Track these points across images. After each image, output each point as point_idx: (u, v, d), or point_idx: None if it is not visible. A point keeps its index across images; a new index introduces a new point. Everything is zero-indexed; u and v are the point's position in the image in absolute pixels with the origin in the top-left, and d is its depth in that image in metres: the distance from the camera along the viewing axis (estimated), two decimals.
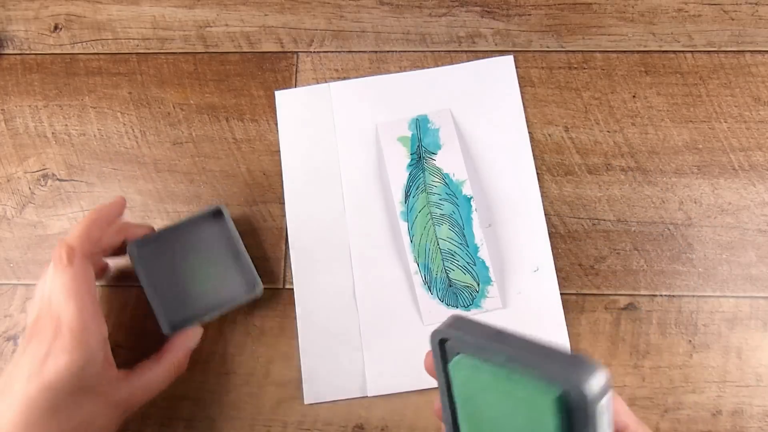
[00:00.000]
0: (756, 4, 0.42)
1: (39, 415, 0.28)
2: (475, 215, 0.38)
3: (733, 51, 0.41)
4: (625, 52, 0.42)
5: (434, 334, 0.23)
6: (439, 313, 0.37)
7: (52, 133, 0.43)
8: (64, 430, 0.29)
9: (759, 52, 0.41)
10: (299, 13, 0.44)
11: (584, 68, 0.41)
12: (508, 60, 0.42)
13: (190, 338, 0.35)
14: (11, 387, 0.28)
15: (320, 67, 0.43)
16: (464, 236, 0.38)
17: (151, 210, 0.41)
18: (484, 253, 0.38)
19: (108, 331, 0.31)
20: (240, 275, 0.37)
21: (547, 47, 0.42)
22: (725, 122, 0.40)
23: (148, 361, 0.34)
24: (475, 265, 0.38)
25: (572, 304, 0.37)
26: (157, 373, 0.33)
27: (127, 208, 0.41)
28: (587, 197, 0.39)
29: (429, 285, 0.38)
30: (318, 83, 0.42)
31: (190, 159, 0.41)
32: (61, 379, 0.28)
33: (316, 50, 0.43)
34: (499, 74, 0.41)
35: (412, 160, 0.40)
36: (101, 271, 0.37)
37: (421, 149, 0.40)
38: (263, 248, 0.39)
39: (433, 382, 0.37)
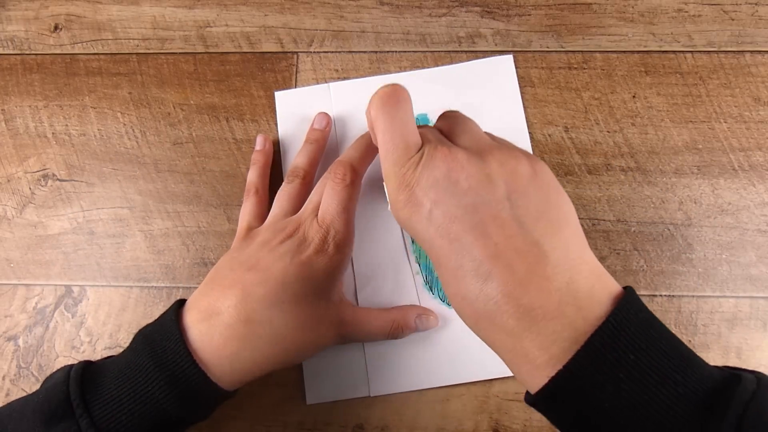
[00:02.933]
0: (756, 4, 0.42)
1: (290, 295, 0.31)
2: None
3: (733, 51, 0.41)
4: (625, 52, 0.42)
5: None
6: (440, 313, 0.37)
7: (53, 133, 0.43)
8: (300, 318, 0.32)
9: (759, 52, 0.41)
10: (299, 13, 0.44)
11: (584, 68, 0.41)
12: (508, 60, 0.42)
13: (424, 319, 0.36)
14: (268, 266, 0.32)
15: (320, 67, 0.43)
16: None
17: (152, 210, 0.41)
18: None
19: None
20: None
21: (547, 47, 0.42)
22: (725, 122, 0.40)
23: (373, 308, 0.36)
24: None
25: None
26: (377, 320, 0.35)
27: (127, 208, 0.41)
28: (587, 197, 0.39)
29: (430, 285, 0.38)
30: (318, 83, 0.42)
31: (190, 159, 0.41)
32: (317, 275, 0.32)
33: (316, 50, 0.43)
34: (498, 74, 0.41)
35: None
36: None
37: None
38: None
39: (433, 382, 0.37)
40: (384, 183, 0.29)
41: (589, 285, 0.24)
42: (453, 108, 0.40)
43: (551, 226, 0.25)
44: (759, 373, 0.23)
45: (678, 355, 0.23)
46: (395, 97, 0.28)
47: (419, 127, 0.29)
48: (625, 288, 0.25)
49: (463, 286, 0.25)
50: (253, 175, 0.39)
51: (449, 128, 0.30)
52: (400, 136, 0.27)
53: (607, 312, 0.23)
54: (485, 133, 0.30)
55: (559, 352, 0.23)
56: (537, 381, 0.23)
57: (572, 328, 0.23)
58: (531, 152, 0.40)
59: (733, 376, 0.22)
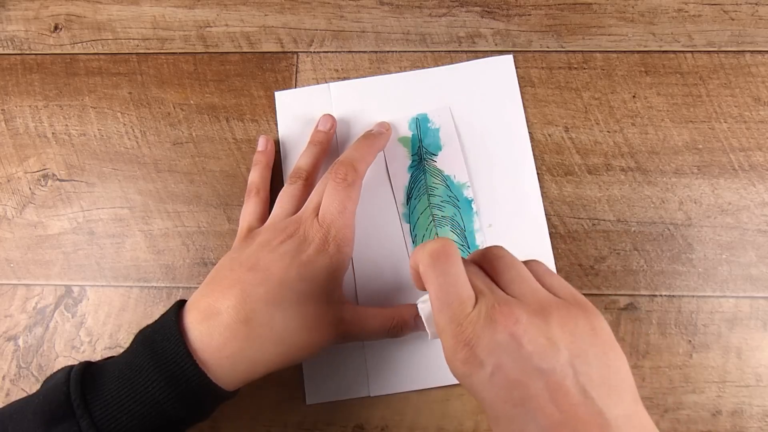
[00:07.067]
0: (756, 4, 0.42)
1: (291, 294, 0.31)
2: (476, 217, 0.38)
3: (733, 51, 0.41)
4: (625, 52, 0.42)
5: None
6: None
7: (52, 133, 0.43)
8: (300, 318, 0.32)
9: (759, 52, 0.41)
10: (299, 13, 0.44)
11: (584, 68, 0.41)
12: (508, 60, 0.42)
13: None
14: (268, 266, 0.32)
15: (320, 67, 0.43)
16: (465, 237, 0.38)
17: (152, 210, 0.41)
18: None
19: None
20: None
21: (547, 47, 0.42)
22: (725, 122, 0.40)
23: (372, 307, 0.36)
24: None
25: None
26: (376, 318, 0.35)
27: (127, 208, 0.41)
28: (587, 197, 0.39)
29: None
30: (318, 83, 0.42)
31: (190, 159, 0.41)
32: (317, 275, 0.32)
33: (316, 50, 0.43)
34: (498, 74, 0.41)
35: (413, 161, 0.40)
36: None
37: (422, 150, 0.40)
38: None
39: (433, 382, 0.37)
40: (426, 326, 0.29)
41: None
42: (454, 108, 0.41)
43: (613, 393, 0.25)
44: None
45: None
46: (445, 253, 0.27)
47: (465, 265, 0.28)
48: None
49: None
50: (254, 176, 0.39)
51: (495, 270, 0.29)
52: (454, 293, 0.26)
53: None
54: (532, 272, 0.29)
55: None
56: None
57: None
58: (531, 151, 0.40)
59: None
